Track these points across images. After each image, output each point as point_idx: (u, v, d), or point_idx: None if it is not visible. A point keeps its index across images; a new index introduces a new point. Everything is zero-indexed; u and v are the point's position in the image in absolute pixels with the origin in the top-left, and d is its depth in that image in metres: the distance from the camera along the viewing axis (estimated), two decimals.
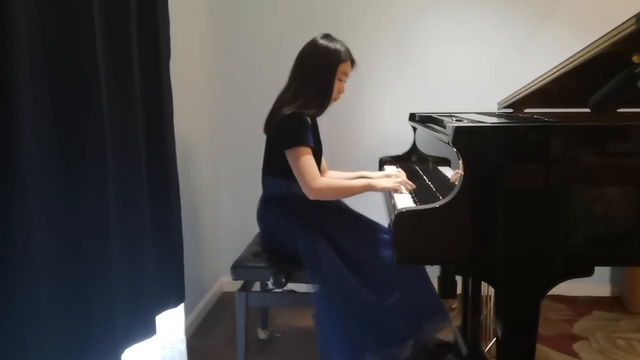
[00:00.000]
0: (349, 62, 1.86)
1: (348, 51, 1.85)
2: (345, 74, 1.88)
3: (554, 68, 1.57)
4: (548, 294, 1.27)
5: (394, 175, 1.91)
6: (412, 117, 2.37)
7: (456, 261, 1.29)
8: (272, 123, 1.83)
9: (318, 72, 1.82)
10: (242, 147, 2.82)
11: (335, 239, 1.76)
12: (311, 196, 1.74)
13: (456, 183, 1.28)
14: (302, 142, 1.73)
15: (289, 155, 1.75)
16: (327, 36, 1.86)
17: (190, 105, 2.40)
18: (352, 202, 2.00)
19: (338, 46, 1.83)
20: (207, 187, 2.69)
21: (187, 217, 2.07)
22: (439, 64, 2.70)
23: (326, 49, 1.82)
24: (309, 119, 1.82)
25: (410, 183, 1.79)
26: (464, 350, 2.01)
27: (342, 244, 1.75)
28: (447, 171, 1.61)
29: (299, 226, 1.79)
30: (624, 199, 1.27)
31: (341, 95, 1.91)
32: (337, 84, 1.85)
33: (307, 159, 1.73)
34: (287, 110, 1.76)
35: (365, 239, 1.81)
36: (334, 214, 1.87)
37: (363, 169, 2.12)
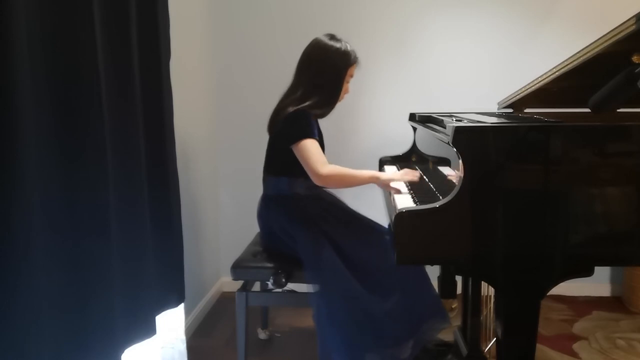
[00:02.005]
0: (355, 64, 1.88)
1: (355, 52, 1.87)
2: (352, 76, 1.90)
3: (554, 68, 1.57)
4: (548, 294, 1.27)
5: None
6: (412, 117, 2.37)
7: (456, 261, 1.29)
8: (276, 122, 1.83)
9: (328, 75, 1.83)
10: (242, 147, 2.82)
11: (335, 239, 1.76)
12: (318, 182, 1.74)
13: (455, 181, 1.28)
14: (308, 136, 1.73)
15: (296, 149, 1.74)
16: (332, 37, 1.86)
17: (190, 106, 2.40)
18: (352, 202, 2.00)
19: (347, 48, 1.84)
20: (207, 187, 2.69)
21: (187, 217, 2.07)
22: (439, 64, 2.70)
23: (337, 51, 1.83)
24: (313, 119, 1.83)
25: (416, 177, 1.80)
26: (464, 350, 2.01)
27: (342, 244, 1.75)
28: (447, 171, 1.61)
29: (299, 226, 1.79)
30: (624, 199, 1.27)
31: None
32: (343, 86, 1.87)
33: (314, 147, 1.73)
34: (292, 109, 1.77)
35: (365, 239, 1.81)
36: (335, 215, 1.87)
37: (363, 169, 2.12)
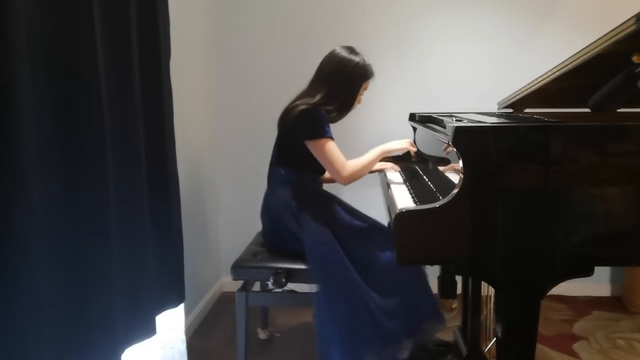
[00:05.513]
0: (371, 78, 1.94)
1: (371, 66, 1.93)
2: (366, 89, 1.96)
3: (554, 68, 1.57)
4: (548, 294, 1.27)
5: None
6: (412, 117, 2.37)
7: (456, 261, 1.29)
8: (287, 119, 1.86)
9: (344, 87, 1.89)
10: (242, 147, 2.82)
11: (338, 233, 1.78)
12: (344, 182, 1.84)
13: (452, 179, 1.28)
14: (325, 134, 1.80)
15: (313, 146, 1.81)
16: (352, 50, 1.90)
17: (190, 105, 2.40)
18: (352, 202, 2.00)
19: (365, 62, 1.90)
20: (207, 187, 2.69)
21: (187, 217, 2.07)
22: (439, 64, 2.70)
23: (355, 65, 1.88)
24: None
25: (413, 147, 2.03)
26: (464, 350, 2.01)
27: (344, 240, 1.76)
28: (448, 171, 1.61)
29: (306, 211, 1.82)
30: (624, 199, 1.27)
31: None
32: (357, 98, 1.95)
33: (334, 149, 1.82)
34: (305, 106, 1.81)
35: (366, 237, 1.82)
36: (338, 212, 1.89)
37: None
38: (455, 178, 1.39)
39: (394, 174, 2.07)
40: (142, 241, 1.47)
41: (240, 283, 1.93)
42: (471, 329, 1.96)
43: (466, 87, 2.68)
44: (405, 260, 1.29)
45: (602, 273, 2.80)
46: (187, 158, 2.33)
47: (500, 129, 1.31)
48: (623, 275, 2.75)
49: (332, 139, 1.82)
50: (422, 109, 2.47)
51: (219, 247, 2.91)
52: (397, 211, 1.28)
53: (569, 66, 1.47)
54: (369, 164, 1.92)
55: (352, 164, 1.85)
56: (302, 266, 1.78)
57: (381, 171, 2.13)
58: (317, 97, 1.85)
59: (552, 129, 1.25)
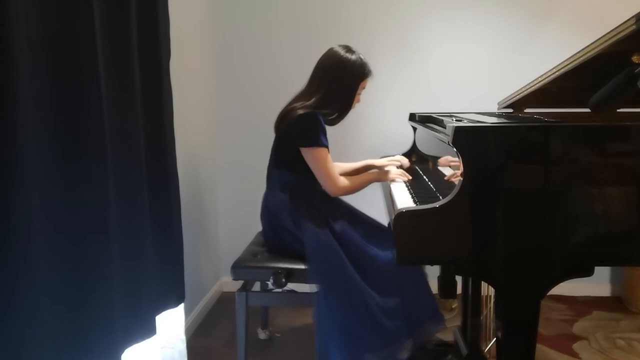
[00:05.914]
0: (369, 77, 1.94)
1: (369, 65, 1.92)
2: (364, 88, 1.95)
3: (554, 68, 1.57)
4: (548, 294, 1.27)
5: (396, 160, 2.07)
6: (412, 117, 2.37)
7: (456, 261, 1.29)
8: (284, 122, 1.85)
9: (342, 87, 1.88)
10: (243, 147, 2.82)
11: (337, 234, 1.77)
12: (333, 193, 1.86)
13: (455, 182, 1.28)
14: (320, 143, 1.79)
15: (307, 153, 1.81)
16: (348, 49, 1.90)
17: (190, 105, 2.40)
18: (352, 201, 2.01)
19: (362, 60, 1.90)
20: (207, 186, 2.69)
21: (187, 217, 2.07)
22: (439, 64, 2.70)
23: (353, 64, 1.87)
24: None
25: (408, 175, 1.96)
26: (464, 350, 2.01)
27: (344, 239, 1.76)
28: (447, 171, 1.61)
29: (305, 213, 1.81)
30: (624, 199, 1.27)
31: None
32: (355, 97, 1.94)
33: (328, 162, 1.82)
34: (302, 111, 1.80)
35: (366, 237, 1.82)
36: (338, 212, 1.89)
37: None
38: (455, 178, 1.39)
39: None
40: (142, 241, 1.47)
41: (240, 283, 1.93)
42: (471, 329, 1.96)
43: (466, 87, 2.68)
44: (405, 260, 1.29)
45: (602, 273, 2.80)
46: (187, 158, 2.33)
47: (500, 129, 1.31)
48: (623, 275, 2.75)
49: (327, 148, 1.81)
50: (422, 109, 2.47)
51: (219, 247, 2.91)
52: (397, 211, 1.28)
53: (569, 66, 1.47)
54: (362, 185, 1.93)
55: (345, 181, 1.87)
56: (302, 266, 1.79)
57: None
58: (314, 99, 1.84)
59: (552, 129, 1.25)
